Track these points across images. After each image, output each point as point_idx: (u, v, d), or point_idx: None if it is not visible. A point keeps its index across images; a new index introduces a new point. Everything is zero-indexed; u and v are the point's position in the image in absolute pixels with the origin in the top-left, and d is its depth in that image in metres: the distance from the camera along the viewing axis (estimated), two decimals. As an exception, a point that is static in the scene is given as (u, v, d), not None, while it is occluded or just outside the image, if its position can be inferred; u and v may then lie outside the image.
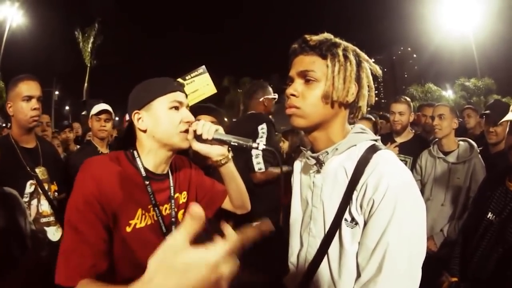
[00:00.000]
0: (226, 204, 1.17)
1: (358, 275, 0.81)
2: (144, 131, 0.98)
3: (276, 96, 2.37)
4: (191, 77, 2.12)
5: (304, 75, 0.85)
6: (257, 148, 0.96)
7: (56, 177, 1.73)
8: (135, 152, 1.00)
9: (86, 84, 22.90)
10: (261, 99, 2.33)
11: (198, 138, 0.99)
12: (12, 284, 1.21)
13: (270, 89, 2.39)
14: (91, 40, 22.64)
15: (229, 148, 1.06)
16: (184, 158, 1.17)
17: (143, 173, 0.98)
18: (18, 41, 18.64)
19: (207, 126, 0.98)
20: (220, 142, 1.00)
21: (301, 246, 0.96)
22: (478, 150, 2.12)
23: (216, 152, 1.03)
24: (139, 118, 0.97)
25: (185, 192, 1.09)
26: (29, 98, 1.62)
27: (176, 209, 1.05)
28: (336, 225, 0.85)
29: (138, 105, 0.98)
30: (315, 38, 0.86)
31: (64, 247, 0.86)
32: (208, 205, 1.15)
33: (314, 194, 0.92)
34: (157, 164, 1.00)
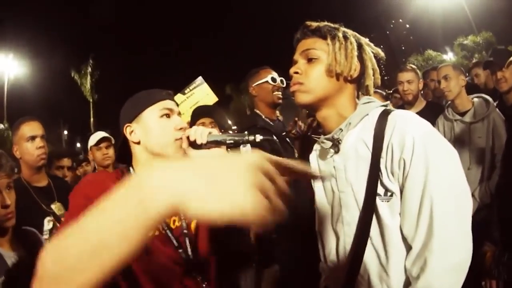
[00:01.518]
0: None
1: (408, 248, 0.76)
2: (138, 143, 0.96)
3: (269, 78, 1.81)
4: (190, 90, 2.11)
5: (306, 55, 0.88)
6: (254, 141, 0.91)
7: (73, 211, 1.73)
8: (130, 168, 0.98)
9: (92, 119, 23.43)
10: (250, 90, 1.89)
11: (194, 145, 0.96)
12: None
13: (264, 73, 1.84)
14: (88, 76, 23.18)
15: (228, 150, 1.01)
16: None
17: None
18: (18, 91, 19.25)
19: (199, 130, 0.95)
20: (216, 144, 0.96)
21: (337, 239, 0.91)
22: (495, 104, 2.02)
23: None
24: (131, 131, 0.96)
25: None
26: (33, 138, 1.64)
27: (186, 220, 1.00)
28: (370, 202, 0.80)
29: (129, 118, 0.97)
30: (315, 23, 0.90)
31: None
32: None
33: (338, 179, 0.88)
34: None
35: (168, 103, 0.97)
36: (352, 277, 0.83)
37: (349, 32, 0.90)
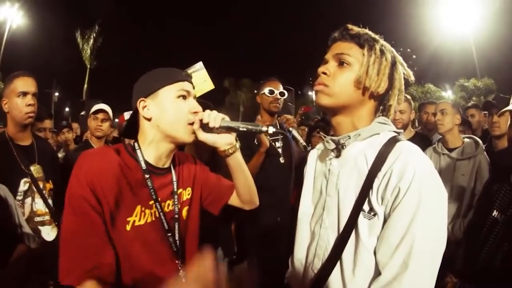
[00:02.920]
0: (233, 200, 1.14)
1: (377, 273, 0.77)
2: (149, 120, 0.95)
3: (266, 90, 2.11)
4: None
5: (339, 58, 0.87)
6: (267, 131, 0.94)
7: (52, 175, 1.70)
8: (135, 144, 0.97)
9: (86, 85, 22.90)
10: (256, 98, 2.21)
11: (204, 127, 0.97)
12: (6, 277, 1.19)
13: (268, 84, 2.15)
14: (91, 41, 22.67)
15: (237, 138, 1.04)
16: (188, 155, 1.14)
17: (143, 166, 0.94)
18: (18, 42, 18.60)
19: (213, 115, 0.96)
20: (228, 129, 0.98)
21: (311, 239, 0.92)
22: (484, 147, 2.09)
23: (223, 141, 1.01)
24: (145, 106, 0.95)
25: (189, 188, 1.06)
26: (24, 94, 1.60)
27: (179, 206, 1.01)
28: (354, 216, 0.81)
29: (144, 93, 0.95)
30: (356, 29, 0.88)
31: (65, 241, 0.83)
32: (214, 202, 1.12)
33: (329, 182, 0.89)
34: (158, 156, 0.97)
35: (186, 85, 0.96)
36: (319, 287, 0.85)
37: (387, 46, 0.88)
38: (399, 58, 0.90)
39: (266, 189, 1.90)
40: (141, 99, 0.95)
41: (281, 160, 2.05)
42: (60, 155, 3.31)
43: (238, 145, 1.04)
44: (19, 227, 1.34)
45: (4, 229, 1.27)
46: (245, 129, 0.96)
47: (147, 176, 0.94)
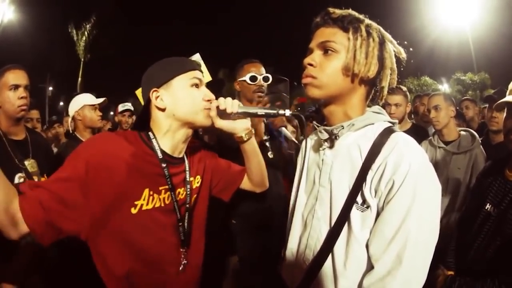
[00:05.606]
0: (245, 184, 1.18)
1: (369, 266, 0.77)
2: (163, 110, 0.95)
3: (248, 77, 1.76)
4: None
5: (324, 46, 0.83)
6: (284, 115, 0.96)
7: (46, 169, 1.68)
8: (150, 134, 0.97)
9: (80, 79, 22.61)
10: (235, 84, 1.88)
11: (222, 114, 0.98)
12: (13, 272, 1.22)
13: (248, 68, 1.80)
14: (86, 34, 22.33)
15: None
16: (197, 142, 1.15)
17: (160, 155, 0.94)
18: (9, 37, 18.22)
19: (229, 101, 0.97)
20: (246, 115, 1.00)
21: (303, 230, 0.91)
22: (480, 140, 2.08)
23: (241, 127, 1.03)
24: (158, 97, 0.95)
25: (198, 176, 1.07)
26: (16, 87, 1.57)
27: (189, 192, 1.02)
28: (347, 208, 0.79)
29: (157, 83, 0.95)
30: (338, 11, 0.84)
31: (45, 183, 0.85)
32: (225, 188, 1.15)
33: (322, 173, 0.88)
34: (175, 145, 0.98)
35: (198, 73, 0.97)
36: (310, 278, 0.84)
37: (373, 25, 0.84)
38: (388, 36, 0.87)
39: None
40: (154, 89, 0.94)
41: (270, 155, 1.83)
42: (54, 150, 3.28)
43: (253, 130, 1.07)
44: None
45: None
46: (263, 113, 0.98)
47: (164, 165, 0.94)
